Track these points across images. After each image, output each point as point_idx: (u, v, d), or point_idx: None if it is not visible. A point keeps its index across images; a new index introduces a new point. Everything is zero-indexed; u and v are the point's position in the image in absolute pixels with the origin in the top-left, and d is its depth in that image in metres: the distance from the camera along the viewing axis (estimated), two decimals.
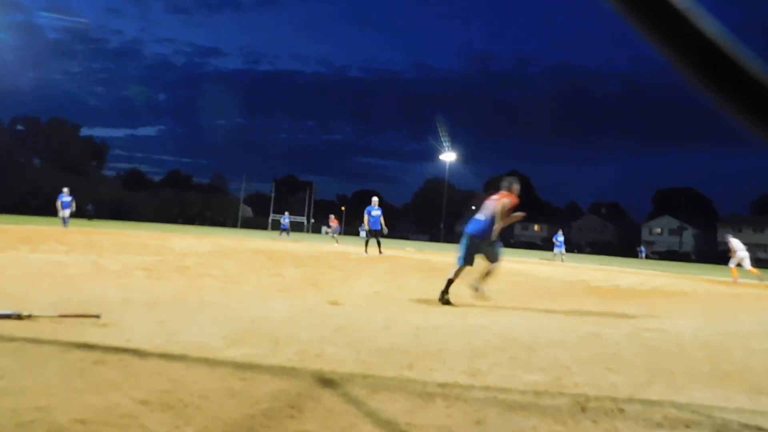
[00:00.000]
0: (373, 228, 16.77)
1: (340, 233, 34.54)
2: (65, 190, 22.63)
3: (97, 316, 3.62)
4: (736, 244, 16.12)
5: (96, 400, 2.12)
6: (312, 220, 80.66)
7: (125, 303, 4.55)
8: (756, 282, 15.21)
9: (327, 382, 2.60)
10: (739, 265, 15.95)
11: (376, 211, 16.91)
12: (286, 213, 34.88)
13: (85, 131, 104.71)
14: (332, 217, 33.60)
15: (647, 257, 57.96)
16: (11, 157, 68.18)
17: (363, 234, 44.60)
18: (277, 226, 74.24)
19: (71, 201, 22.35)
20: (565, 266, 19.84)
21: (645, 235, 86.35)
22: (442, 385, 2.67)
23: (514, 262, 20.19)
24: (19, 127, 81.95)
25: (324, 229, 34.31)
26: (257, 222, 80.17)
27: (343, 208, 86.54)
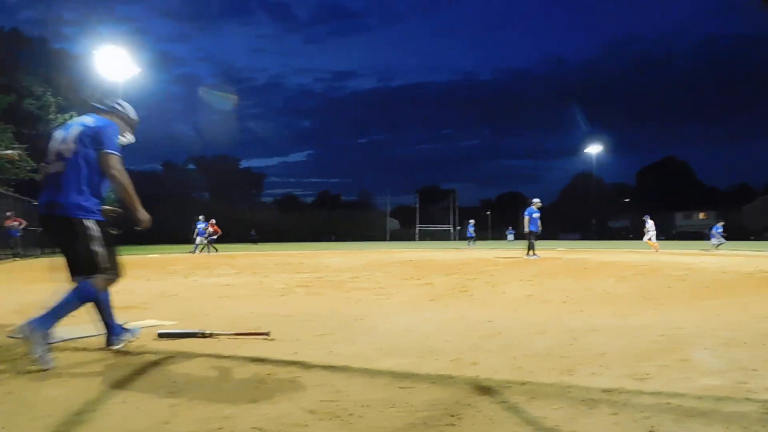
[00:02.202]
0: (534, 230, 16.34)
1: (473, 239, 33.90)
2: (201, 217, 24.11)
3: (267, 334, 3.94)
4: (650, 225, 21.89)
5: (270, 409, 2.31)
6: (458, 228, 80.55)
7: (289, 319, 4.90)
8: None
9: (484, 389, 2.59)
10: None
11: (537, 213, 16.49)
12: (472, 221, 34.46)
13: (244, 163, 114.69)
14: (473, 222, 33.05)
15: None
16: (185, 193, 77.16)
17: (510, 237, 43.26)
18: (424, 236, 75.60)
19: (206, 227, 23.82)
20: (738, 256, 17.75)
21: None
22: (606, 391, 2.53)
23: (677, 255, 18.50)
24: (190, 165, 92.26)
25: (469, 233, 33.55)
26: (404, 234, 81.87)
27: (488, 213, 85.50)
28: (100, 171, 3.36)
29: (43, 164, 3.54)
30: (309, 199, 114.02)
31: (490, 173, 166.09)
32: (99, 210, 3.41)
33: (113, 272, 3.45)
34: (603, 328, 4.25)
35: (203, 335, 3.92)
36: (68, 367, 3.11)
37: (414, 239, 74.35)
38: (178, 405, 2.37)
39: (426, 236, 76.73)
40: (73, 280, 3.37)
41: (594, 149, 67.41)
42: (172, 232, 39.70)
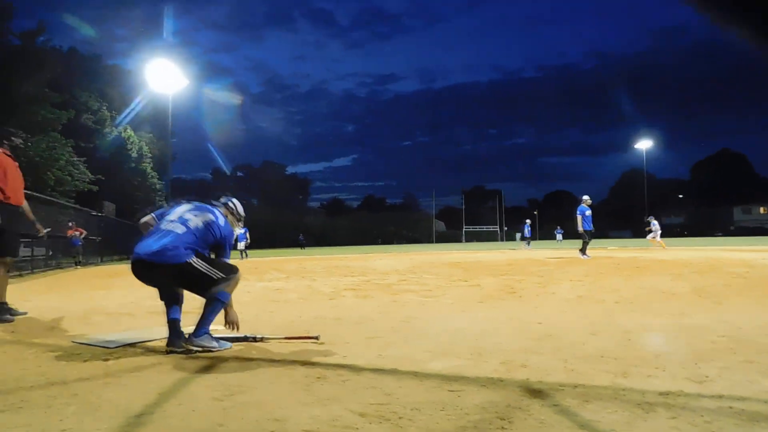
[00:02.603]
0: (588, 228, 15.94)
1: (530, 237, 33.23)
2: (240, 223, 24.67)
3: (316, 338, 3.99)
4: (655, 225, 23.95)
5: (321, 412, 2.34)
6: (505, 228, 79.61)
7: (338, 322, 4.95)
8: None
9: (535, 392, 2.55)
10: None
11: (589, 211, 16.07)
12: (528, 221, 33.82)
13: (290, 169, 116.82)
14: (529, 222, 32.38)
15: None
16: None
17: (559, 237, 42.28)
18: (470, 238, 75.05)
19: (246, 233, 23.94)
20: None
21: None
22: (663, 394, 2.45)
23: (736, 251, 17.71)
24: (239, 173, 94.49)
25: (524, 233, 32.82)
26: (451, 235, 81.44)
27: (535, 213, 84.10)
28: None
29: (149, 217, 4.17)
30: (355, 203, 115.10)
31: (536, 172, 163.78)
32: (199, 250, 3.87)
33: (230, 276, 3.83)
34: (658, 328, 4.12)
35: (254, 339, 4.00)
36: (128, 371, 3.23)
37: (460, 241, 73.84)
38: (231, 408, 2.42)
39: (472, 237, 76.18)
40: (207, 296, 3.80)
41: (644, 144, 65.38)
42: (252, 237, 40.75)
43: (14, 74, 27.49)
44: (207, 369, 3.21)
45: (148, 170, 48.32)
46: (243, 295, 7.48)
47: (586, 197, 16.30)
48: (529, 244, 32.97)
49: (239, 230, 4.43)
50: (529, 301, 6.03)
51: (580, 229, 15.88)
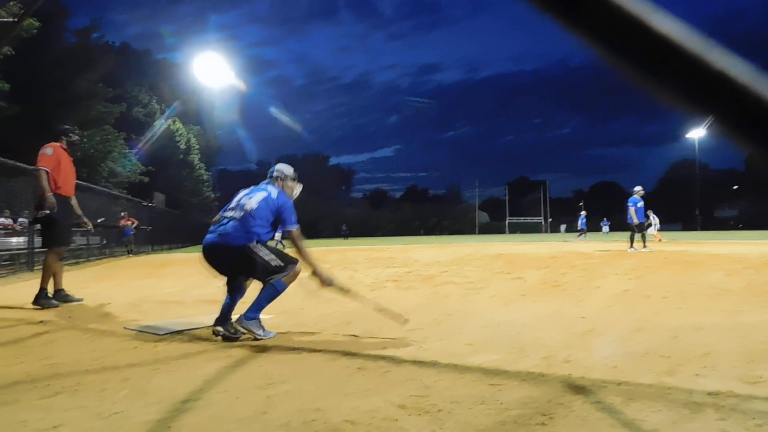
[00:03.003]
0: (641, 220, 15.51)
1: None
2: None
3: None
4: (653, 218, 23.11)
5: (361, 403, 2.36)
6: (549, 219, 78.27)
7: (378, 313, 4.97)
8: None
9: (577, 388, 2.51)
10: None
11: (641, 202, 15.62)
12: (583, 213, 32.82)
13: (333, 160, 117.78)
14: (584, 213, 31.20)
15: None
16: None
17: (605, 229, 40.93)
18: (514, 229, 74.05)
19: None
20: None
21: None
22: (712, 394, 2.37)
23: None
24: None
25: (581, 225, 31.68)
26: (494, 227, 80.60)
27: (581, 204, 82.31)
28: (265, 228, 4.11)
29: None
30: (397, 194, 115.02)
31: (582, 163, 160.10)
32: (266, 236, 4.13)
33: (288, 267, 4.02)
34: (708, 326, 3.98)
35: (345, 292, 4.16)
36: (176, 358, 3.35)
37: (504, 232, 73.00)
38: (274, 396, 2.48)
39: (516, 229, 75.16)
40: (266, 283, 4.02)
41: (697, 133, 62.93)
42: None
43: (71, 71, 28.57)
44: (250, 358, 3.29)
45: (196, 161, 49.54)
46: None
47: (638, 188, 15.81)
48: (585, 236, 31.86)
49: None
50: (572, 295, 5.92)
51: (635, 220, 15.40)
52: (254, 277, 4.16)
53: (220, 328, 3.92)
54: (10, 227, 13.33)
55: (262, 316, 3.95)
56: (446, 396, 2.43)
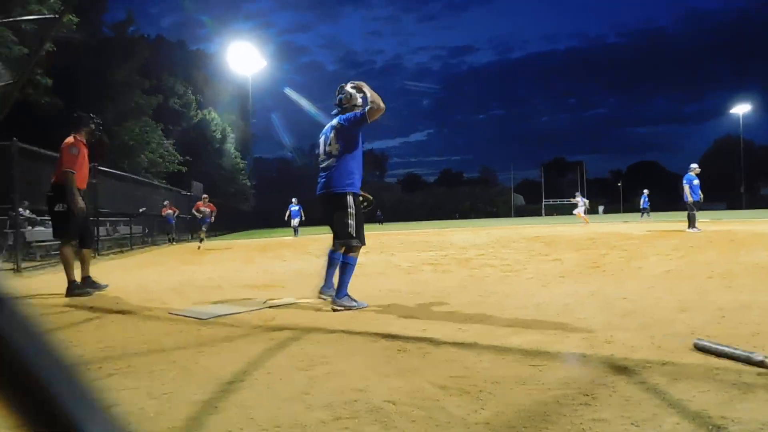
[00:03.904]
0: (696, 199, 14.97)
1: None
2: (294, 200, 23.94)
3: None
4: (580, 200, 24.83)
5: (402, 383, 2.39)
6: (587, 200, 76.81)
7: (416, 296, 5.00)
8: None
9: (620, 369, 2.47)
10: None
11: (697, 180, 15.07)
12: (646, 191, 30.97)
13: (366, 145, 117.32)
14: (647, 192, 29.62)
15: None
16: (314, 177, 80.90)
17: (646, 216, 39.30)
18: (550, 211, 72.96)
19: (300, 210, 23.76)
20: None
21: None
22: (763, 374, 2.31)
23: None
24: (317, 151, 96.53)
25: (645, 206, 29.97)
26: (530, 209, 79.59)
27: (619, 184, 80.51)
28: (357, 161, 4.70)
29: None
30: (431, 178, 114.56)
31: (619, 142, 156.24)
32: (359, 188, 4.71)
33: (361, 240, 4.67)
34: (756, 305, 3.87)
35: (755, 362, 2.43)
36: (219, 341, 3.43)
37: (540, 214, 72.02)
38: (316, 377, 2.52)
39: (552, 211, 74.01)
40: (335, 242, 4.73)
41: (741, 108, 60.67)
42: (307, 214, 41.80)
43: (109, 64, 29.21)
44: (292, 340, 3.35)
45: (232, 150, 50.23)
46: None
47: (694, 165, 15.18)
48: (649, 215, 30.37)
49: (360, 100, 4.80)
50: (613, 276, 5.82)
51: (689, 199, 14.85)
52: (334, 230, 4.71)
53: (322, 295, 4.72)
54: None
55: (303, 300, 4.01)
56: (486, 376, 2.43)
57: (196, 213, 17.88)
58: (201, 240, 17.28)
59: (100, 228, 15.02)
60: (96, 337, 3.69)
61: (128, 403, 2.26)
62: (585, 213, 25.41)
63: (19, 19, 12.83)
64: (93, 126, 6.42)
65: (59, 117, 20.72)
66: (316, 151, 4.90)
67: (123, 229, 18.64)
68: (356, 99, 4.77)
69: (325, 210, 4.71)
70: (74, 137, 6.16)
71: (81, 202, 5.97)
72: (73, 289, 5.96)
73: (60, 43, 18.58)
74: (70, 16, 17.13)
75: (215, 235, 32.13)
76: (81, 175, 6.19)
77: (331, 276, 4.78)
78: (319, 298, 4.75)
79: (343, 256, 4.64)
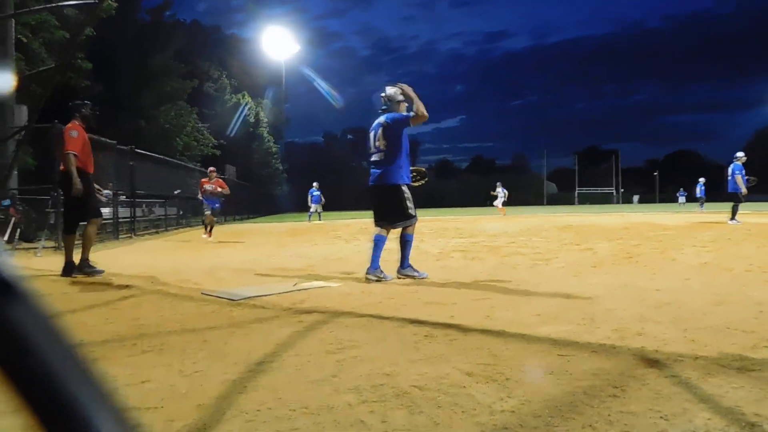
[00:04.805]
0: (740, 190, 14.20)
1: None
2: (315, 184, 23.75)
3: None
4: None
5: (429, 369, 2.40)
6: (621, 190, 75.31)
7: (446, 283, 4.99)
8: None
9: (651, 362, 2.44)
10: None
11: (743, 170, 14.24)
12: (701, 180, 27.99)
13: None
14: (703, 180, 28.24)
15: None
16: (345, 163, 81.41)
17: (682, 200, 37.85)
18: (583, 200, 71.74)
19: (320, 195, 23.55)
20: None
21: None
22: None
23: None
24: (349, 136, 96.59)
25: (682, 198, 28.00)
26: (563, 198, 78.40)
27: (655, 174, 78.65)
28: (404, 154, 5.21)
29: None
30: (463, 164, 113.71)
31: (656, 131, 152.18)
32: (408, 178, 5.30)
33: (416, 217, 5.35)
34: None
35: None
36: (250, 322, 3.50)
37: (573, 203, 70.91)
38: (344, 361, 2.55)
39: (586, 200, 72.76)
40: (394, 226, 5.36)
41: None
42: (338, 199, 42.04)
43: (146, 49, 29.72)
44: (321, 323, 3.39)
45: (265, 135, 50.70)
46: (355, 255, 7.74)
47: (740, 153, 14.34)
48: (701, 206, 27.93)
49: (400, 97, 5.34)
50: (646, 267, 5.71)
51: (743, 189, 14.10)
52: (389, 214, 5.30)
53: (369, 276, 5.19)
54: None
55: (333, 284, 4.04)
56: (514, 365, 2.42)
57: (200, 194, 13.48)
58: (208, 228, 12.96)
59: (137, 209, 15.38)
60: (132, 315, 3.80)
61: (160, 380, 2.33)
62: (503, 205, 25.63)
63: (60, 4, 13.11)
64: (87, 111, 6.54)
65: (99, 100, 21.24)
66: (367, 144, 5.42)
67: (158, 211, 19.06)
68: (397, 97, 5.31)
69: (378, 200, 5.31)
70: (73, 122, 6.32)
71: (79, 184, 6.10)
72: (84, 267, 6.13)
73: (100, 28, 18.96)
74: (109, 1, 17.44)
75: (249, 218, 32.58)
76: (86, 158, 6.32)
77: (377, 258, 5.27)
78: (366, 279, 5.18)
79: (403, 235, 5.35)
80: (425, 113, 5.03)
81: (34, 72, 12.31)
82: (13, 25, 12.20)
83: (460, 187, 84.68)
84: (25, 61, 15.03)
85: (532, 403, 1.97)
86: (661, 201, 69.08)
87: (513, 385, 2.16)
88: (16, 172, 10.64)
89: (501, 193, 25.33)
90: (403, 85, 5.29)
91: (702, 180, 28.25)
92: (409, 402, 2.01)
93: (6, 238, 9.18)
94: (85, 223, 6.49)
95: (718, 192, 16.24)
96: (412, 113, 5.09)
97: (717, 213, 20.58)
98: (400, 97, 5.32)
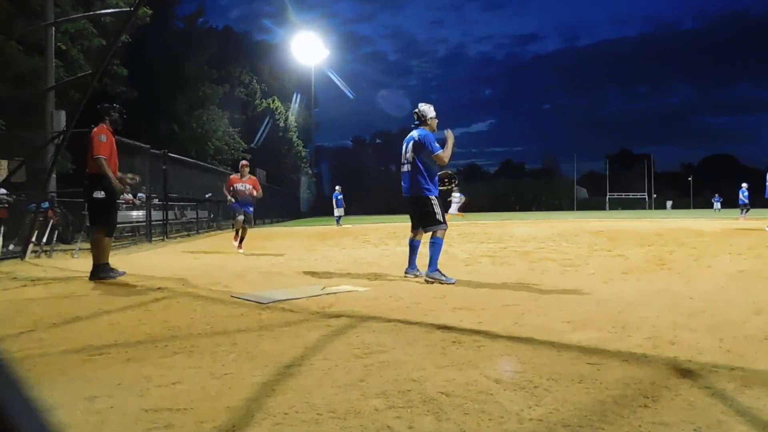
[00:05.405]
0: None
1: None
2: (338, 188, 23.61)
3: None
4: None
5: (456, 375, 2.39)
6: (654, 195, 73.82)
7: (473, 288, 4.97)
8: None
9: (684, 371, 2.38)
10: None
11: None
12: (745, 185, 26.82)
13: None
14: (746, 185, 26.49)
15: None
16: (374, 166, 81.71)
17: (717, 206, 36.18)
18: (615, 205, 70.58)
19: (342, 199, 23.27)
20: None
21: None
22: None
23: None
24: (377, 140, 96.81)
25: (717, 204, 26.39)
26: (593, 203, 77.24)
27: (689, 179, 76.90)
28: (431, 166, 5.64)
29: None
30: (492, 169, 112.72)
31: (691, 134, 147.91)
32: (437, 188, 5.71)
33: (445, 224, 5.70)
34: None
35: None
36: (279, 325, 3.53)
37: (604, 208, 69.78)
38: (371, 366, 2.56)
39: (617, 205, 71.52)
40: (425, 231, 5.74)
41: None
42: (368, 203, 42.07)
43: (180, 55, 30.34)
44: (349, 328, 3.41)
45: (294, 138, 51.19)
46: (383, 259, 7.76)
47: None
48: (745, 212, 25.56)
49: (432, 113, 5.83)
50: (680, 275, 5.59)
51: None
52: (421, 222, 5.74)
53: (407, 275, 5.70)
54: (130, 202, 14.54)
55: (361, 288, 4.06)
56: (543, 372, 2.40)
57: (227, 194, 10.48)
58: (239, 235, 10.38)
59: (169, 212, 15.68)
60: (163, 317, 3.87)
61: (191, 381, 2.37)
62: (458, 210, 25.69)
63: (98, 12, 13.50)
64: (116, 115, 6.55)
65: (134, 106, 21.74)
66: (400, 152, 5.86)
67: (190, 214, 19.39)
68: (429, 113, 5.81)
69: (412, 208, 5.80)
70: (101, 126, 6.32)
71: (120, 185, 6.17)
72: (100, 272, 6.12)
73: (135, 36, 19.43)
74: (144, 9, 17.86)
75: (279, 221, 32.88)
76: (113, 163, 6.33)
77: (414, 260, 5.85)
78: (405, 277, 5.72)
79: (432, 238, 5.58)
80: (445, 161, 5.60)
81: (72, 78, 12.66)
82: (54, 33, 12.58)
83: (489, 191, 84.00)
84: (64, 68, 15.48)
85: (560, 412, 1.95)
86: (696, 207, 67.54)
87: (542, 393, 2.14)
88: (54, 176, 10.93)
89: (456, 198, 25.49)
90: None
91: (745, 185, 26.42)
92: (436, 408, 2.01)
93: (44, 239, 9.44)
94: (102, 226, 6.39)
95: (758, 198, 15.66)
96: (440, 151, 5.54)
97: (756, 219, 20.00)
98: (432, 114, 5.79)
